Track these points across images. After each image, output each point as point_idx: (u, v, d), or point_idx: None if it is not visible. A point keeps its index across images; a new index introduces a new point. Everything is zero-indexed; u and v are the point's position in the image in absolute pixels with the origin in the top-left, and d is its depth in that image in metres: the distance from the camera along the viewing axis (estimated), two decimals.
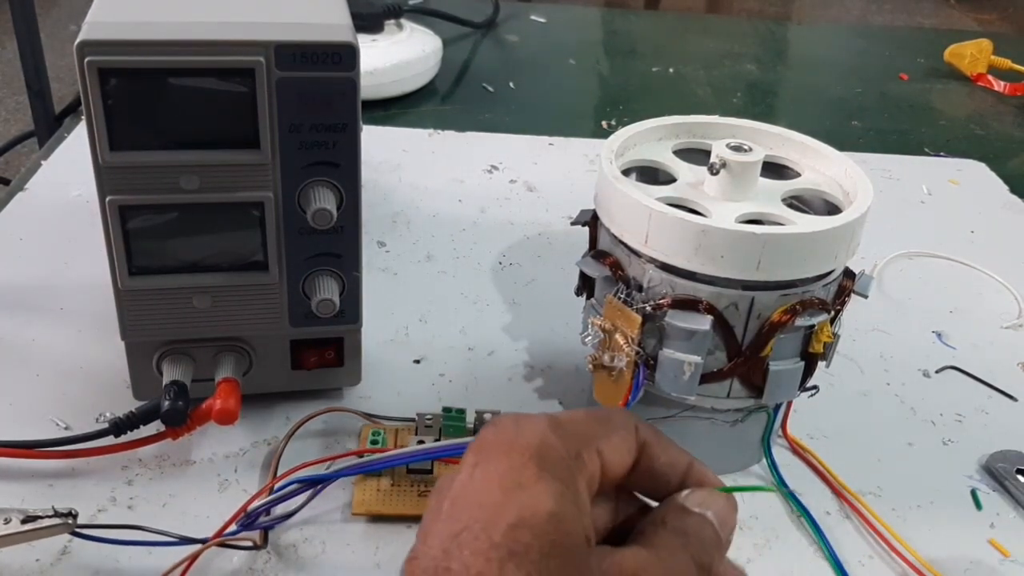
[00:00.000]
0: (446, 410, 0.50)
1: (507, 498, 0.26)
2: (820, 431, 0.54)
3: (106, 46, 0.41)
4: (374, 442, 0.49)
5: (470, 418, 0.50)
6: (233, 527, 0.44)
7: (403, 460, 0.45)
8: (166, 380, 0.48)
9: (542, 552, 0.25)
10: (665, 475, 0.31)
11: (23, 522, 0.41)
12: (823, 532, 0.47)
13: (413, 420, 0.50)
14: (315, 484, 0.45)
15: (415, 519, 0.47)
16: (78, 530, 0.42)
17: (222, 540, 0.43)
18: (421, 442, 0.47)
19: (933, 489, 0.52)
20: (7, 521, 0.40)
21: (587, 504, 0.28)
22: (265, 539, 0.44)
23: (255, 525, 0.44)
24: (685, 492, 0.31)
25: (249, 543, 0.44)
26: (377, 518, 0.46)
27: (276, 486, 0.45)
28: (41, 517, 0.41)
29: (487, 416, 0.49)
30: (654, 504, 0.32)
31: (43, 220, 0.68)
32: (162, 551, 0.43)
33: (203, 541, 0.43)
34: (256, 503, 0.44)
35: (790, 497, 0.50)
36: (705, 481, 0.31)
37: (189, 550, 0.42)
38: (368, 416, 0.51)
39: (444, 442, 0.45)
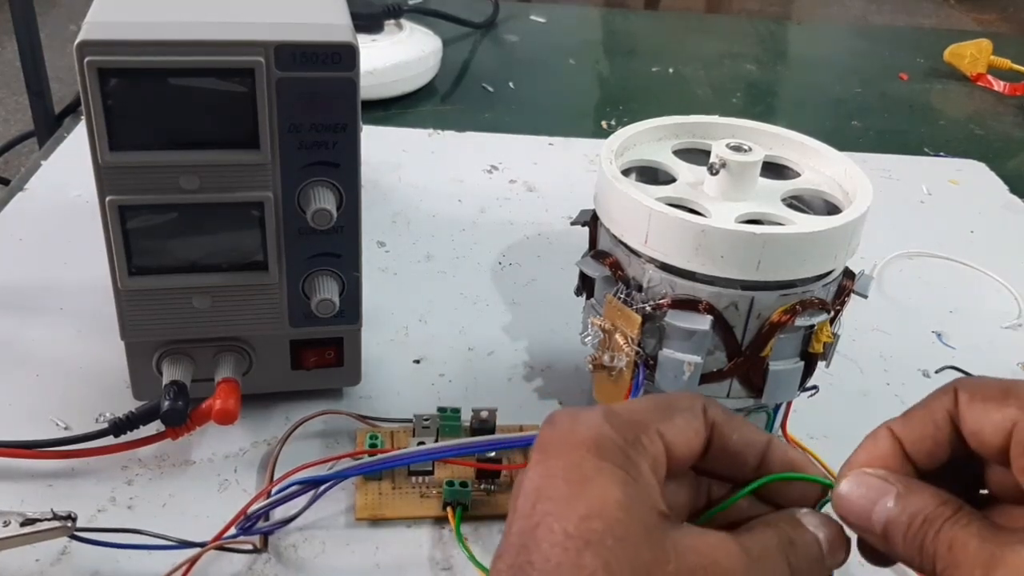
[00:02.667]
0: (441, 410, 0.50)
1: (574, 491, 0.27)
2: (820, 431, 0.54)
3: (106, 46, 0.41)
4: (372, 445, 0.49)
5: (466, 416, 0.50)
6: (232, 530, 0.44)
7: (403, 461, 0.45)
8: (166, 380, 0.48)
9: (616, 537, 0.26)
10: (741, 454, 0.31)
11: (22, 525, 0.41)
12: None
13: (409, 421, 0.50)
14: (314, 486, 0.45)
15: (418, 521, 0.47)
16: (77, 533, 0.41)
17: (221, 543, 0.43)
18: (421, 443, 0.47)
19: None
20: (6, 524, 0.40)
21: (654, 485, 0.28)
22: (265, 542, 0.44)
23: (254, 529, 0.44)
24: (805, 510, 0.31)
25: (249, 546, 0.44)
26: (377, 521, 0.46)
27: (275, 488, 0.45)
28: (40, 520, 0.41)
29: (483, 413, 0.49)
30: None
31: (43, 220, 0.68)
32: (162, 552, 0.43)
33: (202, 544, 0.43)
34: (255, 506, 0.44)
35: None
36: (787, 458, 0.31)
37: (189, 552, 0.42)
38: (363, 419, 0.51)
39: (445, 443, 0.45)
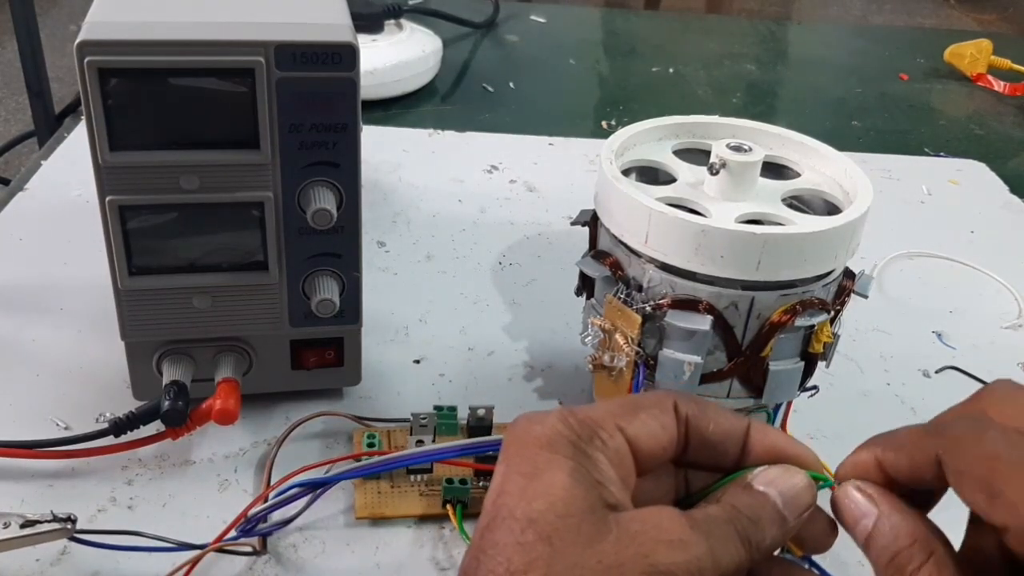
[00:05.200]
0: (438, 408, 0.50)
1: (526, 483, 0.28)
2: (820, 431, 0.54)
3: (106, 46, 0.41)
4: (369, 445, 0.49)
5: (462, 414, 0.50)
6: (232, 532, 0.44)
7: (402, 463, 0.45)
8: (166, 380, 0.47)
9: (557, 514, 0.27)
10: (721, 444, 0.32)
11: (22, 526, 0.40)
12: None
13: (407, 421, 0.50)
14: (313, 488, 0.45)
15: (417, 519, 0.47)
16: (77, 535, 0.41)
17: (221, 545, 0.43)
18: (420, 442, 0.47)
19: None
20: (6, 525, 0.40)
21: (611, 476, 0.29)
22: (264, 544, 0.44)
23: (254, 532, 0.44)
24: (758, 469, 0.31)
25: (248, 548, 0.44)
26: (377, 520, 0.46)
27: (274, 492, 0.45)
28: (40, 522, 0.41)
29: (480, 411, 0.49)
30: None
31: (43, 220, 0.68)
32: (162, 553, 0.43)
33: (202, 547, 0.43)
34: (256, 508, 0.44)
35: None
36: (767, 442, 0.32)
37: (189, 554, 0.42)
38: (359, 419, 0.51)
39: (443, 444, 0.45)
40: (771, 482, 0.31)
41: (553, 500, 0.28)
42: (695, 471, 0.33)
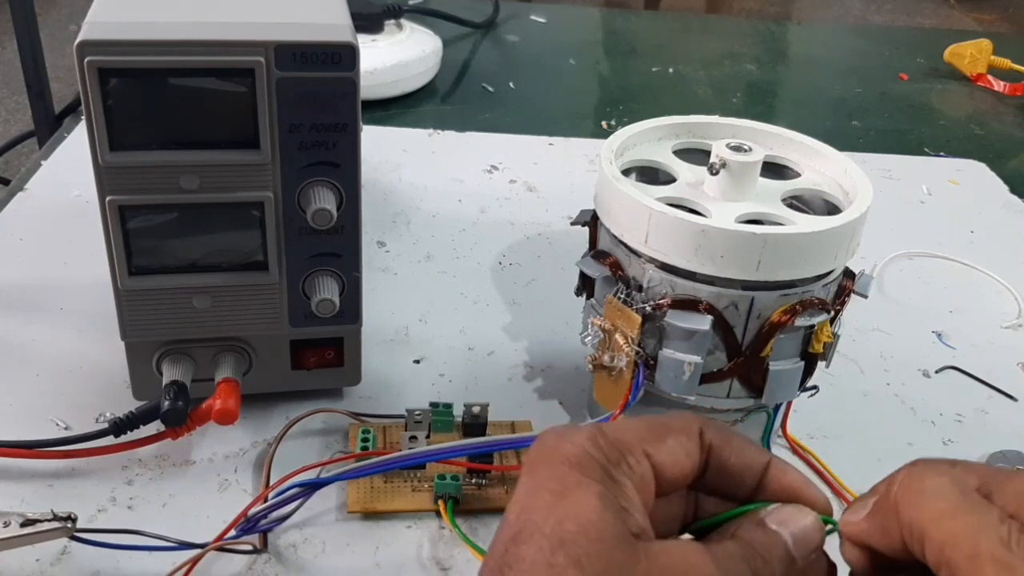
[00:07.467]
0: (433, 405, 0.50)
1: (555, 500, 0.28)
2: (820, 431, 0.54)
3: (106, 46, 0.41)
4: (364, 440, 0.49)
5: (458, 411, 0.50)
6: (232, 532, 0.44)
7: (401, 464, 0.46)
8: (166, 380, 0.48)
9: (589, 538, 0.27)
10: (739, 475, 0.32)
11: (22, 525, 0.41)
12: None
13: (402, 417, 0.50)
14: (313, 488, 0.45)
15: (412, 515, 0.47)
16: (77, 534, 0.41)
17: (222, 544, 0.43)
18: (413, 438, 0.47)
19: None
20: (6, 524, 0.40)
21: (636, 503, 0.29)
22: (264, 542, 0.44)
23: (255, 529, 0.44)
24: (771, 507, 0.31)
25: (249, 547, 0.44)
26: (375, 516, 0.47)
27: (273, 493, 0.45)
28: (40, 521, 0.41)
29: (475, 409, 0.49)
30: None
31: (43, 220, 0.68)
32: (162, 552, 0.43)
33: (203, 546, 0.43)
34: (255, 508, 0.44)
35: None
36: (785, 481, 0.32)
37: (190, 553, 0.42)
38: (355, 415, 0.52)
39: (441, 444, 0.45)
40: (784, 522, 0.31)
41: (584, 523, 0.27)
42: (705, 496, 0.33)
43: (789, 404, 0.51)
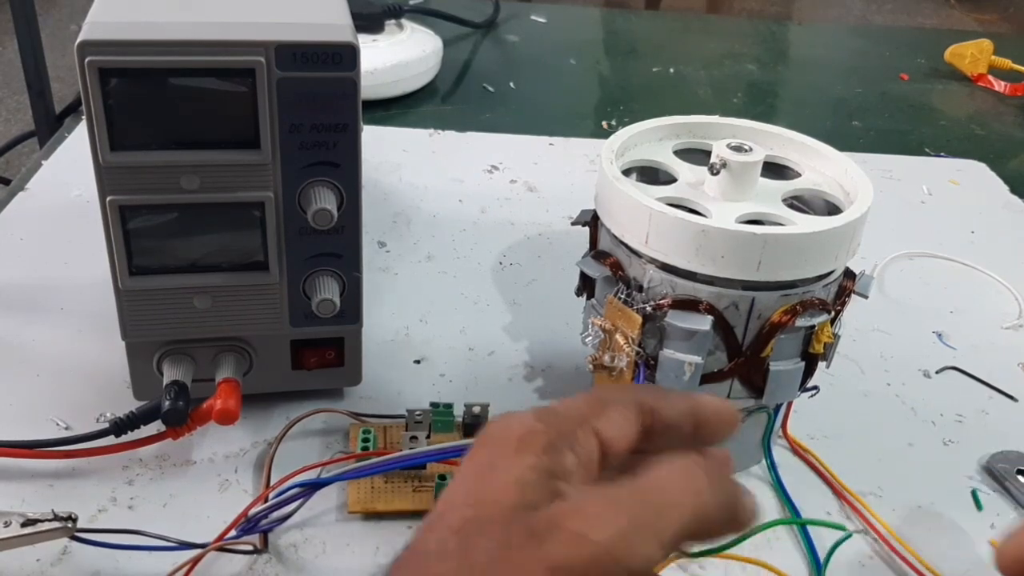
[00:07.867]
0: (434, 405, 0.50)
1: (479, 477, 0.28)
2: (820, 431, 0.54)
3: (106, 46, 0.41)
4: (364, 440, 0.49)
5: (458, 411, 0.50)
6: (233, 533, 0.44)
7: (400, 464, 0.45)
8: (166, 380, 0.48)
9: (486, 519, 0.26)
10: (677, 424, 0.32)
11: (23, 525, 0.41)
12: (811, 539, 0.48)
13: (402, 417, 0.50)
14: (313, 488, 0.45)
15: (412, 515, 0.47)
16: (77, 534, 0.42)
17: (222, 545, 0.43)
18: (414, 438, 0.47)
19: (933, 490, 0.52)
20: (7, 524, 0.40)
21: (574, 473, 0.29)
22: (265, 542, 0.44)
23: (255, 529, 0.44)
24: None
25: (249, 547, 0.44)
26: (376, 517, 0.47)
27: (275, 491, 0.45)
28: (41, 521, 0.41)
29: (475, 409, 0.49)
30: None
31: (43, 220, 0.68)
32: (163, 552, 0.43)
33: (203, 546, 0.43)
34: (256, 508, 0.44)
35: (788, 504, 0.50)
36: (709, 407, 0.32)
37: (190, 553, 0.42)
38: (355, 415, 0.52)
39: (441, 444, 0.45)
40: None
41: (498, 497, 0.27)
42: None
43: (789, 404, 0.51)
